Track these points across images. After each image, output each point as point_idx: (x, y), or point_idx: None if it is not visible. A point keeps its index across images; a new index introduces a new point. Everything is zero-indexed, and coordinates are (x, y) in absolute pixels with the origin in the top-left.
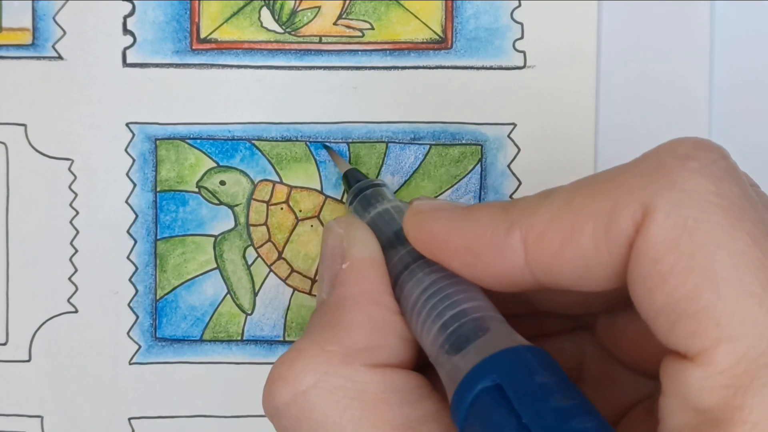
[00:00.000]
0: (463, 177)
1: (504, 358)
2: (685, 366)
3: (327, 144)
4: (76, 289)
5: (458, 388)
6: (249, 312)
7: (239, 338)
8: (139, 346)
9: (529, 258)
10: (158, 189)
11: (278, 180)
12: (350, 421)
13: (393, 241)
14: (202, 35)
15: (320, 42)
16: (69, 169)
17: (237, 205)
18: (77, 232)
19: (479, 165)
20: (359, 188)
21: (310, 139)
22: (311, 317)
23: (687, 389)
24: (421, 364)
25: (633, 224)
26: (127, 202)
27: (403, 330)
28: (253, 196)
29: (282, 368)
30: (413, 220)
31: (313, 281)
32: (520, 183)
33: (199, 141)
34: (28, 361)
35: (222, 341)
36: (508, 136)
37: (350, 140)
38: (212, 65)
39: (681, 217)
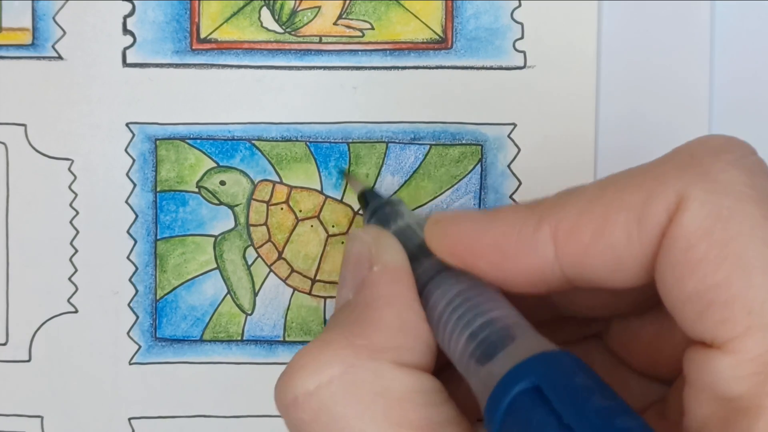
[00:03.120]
0: (463, 177)
1: (541, 361)
2: (713, 355)
3: (343, 169)
4: (76, 289)
5: (494, 391)
6: (249, 312)
7: (239, 338)
8: (139, 346)
9: (559, 253)
10: (158, 189)
11: (278, 180)
12: (372, 418)
13: (415, 255)
14: (202, 35)
15: (320, 42)
16: (69, 169)
17: (237, 205)
18: (77, 232)
19: (479, 165)
20: (376, 206)
21: (310, 139)
22: (333, 316)
23: (715, 378)
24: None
25: (666, 214)
26: (127, 202)
27: (429, 337)
28: (253, 196)
29: (306, 358)
30: (435, 228)
31: (314, 281)
32: (520, 183)
33: (199, 141)
34: (28, 361)
35: (222, 341)
36: (508, 136)
37: (350, 140)
38: (212, 65)
39: (715, 206)
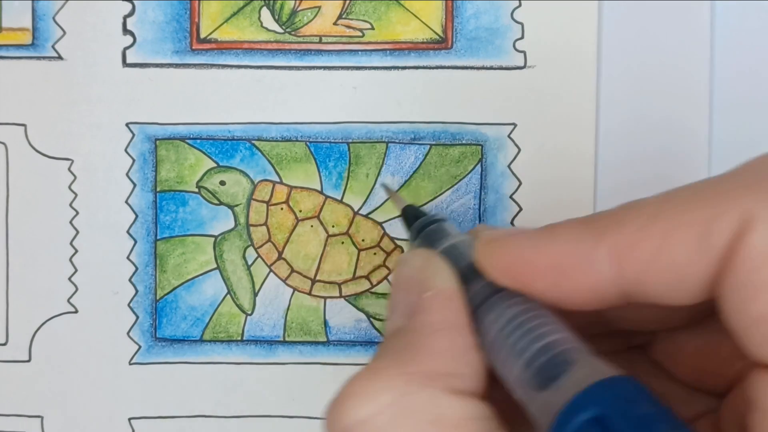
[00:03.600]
0: (464, 177)
1: (603, 389)
2: None
3: (384, 184)
4: (76, 289)
5: (557, 421)
6: (249, 312)
7: (239, 338)
8: (139, 346)
9: (618, 271)
10: (158, 189)
11: (278, 180)
12: None
13: (465, 276)
14: (202, 35)
15: (320, 42)
16: (69, 169)
17: (237, 205)
18: (77, 232)
19: (479, 165)
20: (422, 224)
21: (310, 139)
22: (383, 343)
23: None
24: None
25: (731, 233)
26: (127, 202)
27: (482, 363)
28: (253, 196)
29: (356, 386)
30: (488, 249)
31: (313, 281)
32: (520, 183)
33: (199, 141)
34: (28, 361)
35: (222, 341)
36: (508, 136)
37: (350, 140)
38: (212, 65)
39: None
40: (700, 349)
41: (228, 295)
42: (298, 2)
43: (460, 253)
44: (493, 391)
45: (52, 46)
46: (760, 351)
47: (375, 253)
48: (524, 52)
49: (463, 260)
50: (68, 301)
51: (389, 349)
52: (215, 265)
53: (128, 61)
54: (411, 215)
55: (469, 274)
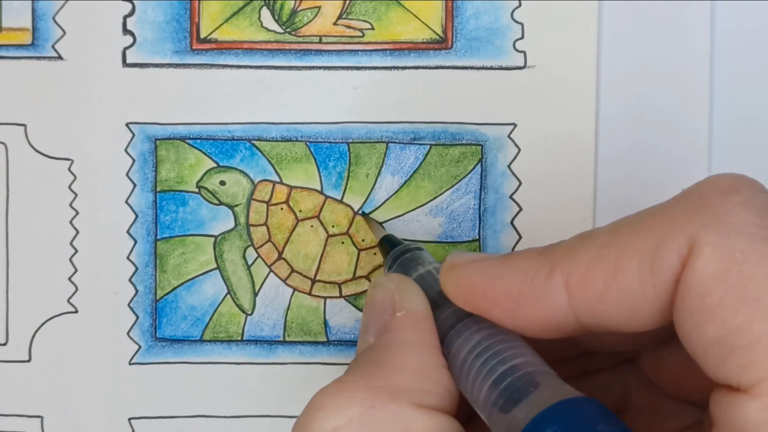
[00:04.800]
0: (464, 177)
1: (563, 409)
2: (740, 399)
3: (363, 213)
4: (76, 289)
5: None
6: (249, 312)
7: (239, 338)
8: (139, 346)
9: (572, 301)
10: (158, 189)
11: (278, 180)
12: None
13: (437, 302)
14: (202, 35)
15: (320, 42)
16: (69, 169)
17: (237, 205)
18: (77, 232)
19: (479, 165)
20: (398, 253)
21: (310, 139)
22: (354, 360)
23: (743, 422)
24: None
25: (679, 259)
26: (127, 202)
27: (450, 382)
28: (253, 196)
29: (324, 398)
30: (450, 275)
31: (313, 281)
32: (520, 183)
33: (199, 141)
34: (28, 361)
35: (222, 341)
36: (508, 136)
37: (350, 140)
38: (212, 65)
39: (728, 250)
40: (683, 362)
41: (228, 295)
42: (298, 2)
43: (432, 280)
44: (472, 418)
45: (52, 46)
46: (717, 372)
47: (375, 253)
48: (524, 52)
49: (435, 286)
50: (68, 301)
51: (359, 364)
52: (215, 265)
53: (128, 61)
54: (388, 244)
55: (439, 301)
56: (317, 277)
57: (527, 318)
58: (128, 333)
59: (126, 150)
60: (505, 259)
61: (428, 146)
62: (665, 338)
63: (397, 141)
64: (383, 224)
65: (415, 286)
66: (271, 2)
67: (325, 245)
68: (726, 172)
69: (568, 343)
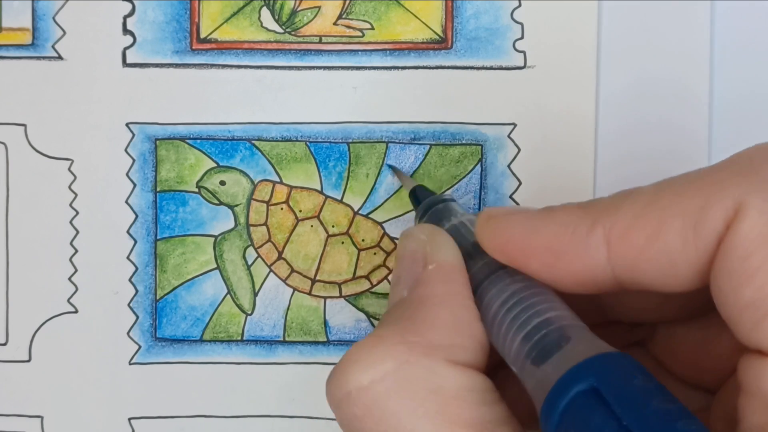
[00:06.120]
0: (463, 177)
1: (599, 362)
2: None
3: (391, 165)
4: (76, 289)
5: (551, 392)
6: (249, 312)
7: (239, 338)
8: (139, 346)
9: (612, 256)
10: (158, 189)
11: (278, 180)
12: (426, 414)
13: (470, 253)
14: (202, 35)
15: (320, 42)
16: (69, 169)
17: (237, 205)
18: (77, 232)
19: (479, 165)
20: (429, 203)
21: (310, 139)
22: (386, 313)
23: None
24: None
25: (724, 221)
26: (127, 202)
27: (483, 336)
28: (253, 196)
29: (360, 352)
30: (487, 226)
31: (313, 281)
32: (520, 183)
33: (199, 141)
34: (28, 361)
35: (222, 341)
36: (508, 136)
37: (350, 140)
38: (212, 65)
39: None
40: (698, 343)
41: (228, 295)
42: (298, 2)
43: (465, 231)
44: (501, 368)
45: (52, 46)
46: (750, 336)
47: (375, 253)
48: (524, 52)
49: (467, 239)
50: (68, 301)
51: (392, 318)
52: (215, 265)
53: (128, 61)
54: (419, 195)
55: (473, 252)
56: (317, 277)
57: (564, 272)
58: (128, 333)
59: (126, 150)
60: (545, 212)
61: (428, 146)
62: (688, 313)
63: (397, 141)
64: (384, 223)
65: (447, 237)
66: (271, 2)
67: (325, 245)
68: None
69: (592, 308)
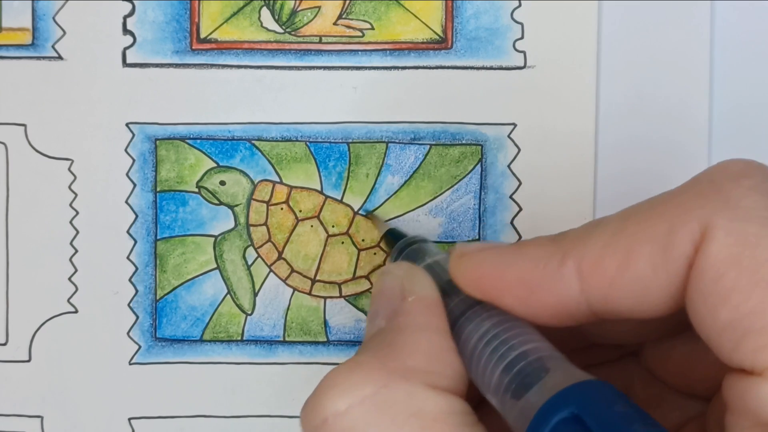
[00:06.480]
0: (463, 177)
1: (579, 390)
2: (754, 382)
3: (366, 211)
4: (76, 289)
5: (533, 421)
6: (249, 312)
7: (239, 338)
8: (139, 346)
9: (584, 287)
10: (158, 189)
11: (278, 180)
12: None
13: (445, 291)
14: (202, 35)
15: (320, 42)
16: (69, 169)
17: (237, 205)
18: (77, 232)
19: (479, 165)
20: (403, 245)
21: (310, 139)
22: (364, 342)
23: (758, 405)
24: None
25: (692, 244)
26: (127, 202)
27: (461, 367)
28: (253, 196)
29: (338, 377)
30: (460, 263)
31: (313, 281)
32: (520, 183)
33: (199, 141)
34: (28, 361)
35: (222, 341)
36: (508, 136)
37: (350, 140)
38: (212, 65)
39: (741, 234)
40: (687, 355)
41: (228, 295)
42: (298, 2)
43: (440, 269)
44: (480, 407)
45: (52, 46)
46: (732, 356)
47: (375, 253)
48: (524, 52)
49: (443, 276)
50: (68, 301)
51: (370, 346)
52: (215, 265)
53: (128, 61)
54: (393, 238)
55: (448, 290)
56: (317, 277)
57: (539, 305)
58: (128, 333)
59: (126, 150)
60: (516, 247)
61: (428, 146)
62: (671, 330)
63: (397, 141)
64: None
65: (424, 273)
66: (271, 2)
67: (325, 245)
68: (736, 158)
69: (574, 334)
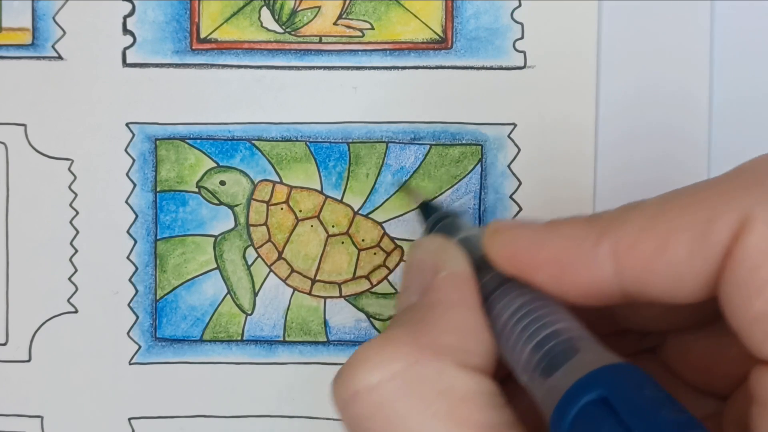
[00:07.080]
0: (464, 177)
1: (608, 373)
2: None
3: (405, 184)
4: (76, 289)
5: (560, 402)
6: (249, 312)
7: (239, 338)
8: (139, 346)
9: (618, 269)
10: (158, 189)
11: (278, 180)
12: (435, 416)
13: (478, 266)
14: (202, 35)
15: (320, 42)
16: (69, 169)
17: (237, 205)
18: (77, 232)
19: (479, 165)
20: (437, 218)
21: (310, 139)
22: (396, 316)
23: None
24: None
25: (730, 233)
26: (127, 202)
27: (492, 343)
28: (253, 196)
29: (369, 352)
30: (494, 239)
31: (313, 281)
32: (520, 183)
33: (199, 141)
34: (28, 361)
35: (222, 341)
36: (508, 136)
37: (350, 140)
38: (212, 65)
39: None
40: (708, 350)
41: (228, 295)
42: (298, 2)
43: (473, 244)
44: (506, 383)
45: (52, 46)
46: (762, 347)
47: (375, 253)
48: (524, 52)
49: (476, 252)
50: (68, 301)
51: (401, 321)
52: (215, 265)
53: (128, 61)
54: (427, 210)
55: (481, 265)
56: (317, 277)
57: (571, 284)
58: (128, 333)
59: (126, 150)
60: (551, 225)
61: (428, 146)
62: (697, 321)
63: (397, 141)
64: (383, 223)
65: (456, 247)
66: (271, 2)
67: (325, 245)
68: None
69: (601, 317)
